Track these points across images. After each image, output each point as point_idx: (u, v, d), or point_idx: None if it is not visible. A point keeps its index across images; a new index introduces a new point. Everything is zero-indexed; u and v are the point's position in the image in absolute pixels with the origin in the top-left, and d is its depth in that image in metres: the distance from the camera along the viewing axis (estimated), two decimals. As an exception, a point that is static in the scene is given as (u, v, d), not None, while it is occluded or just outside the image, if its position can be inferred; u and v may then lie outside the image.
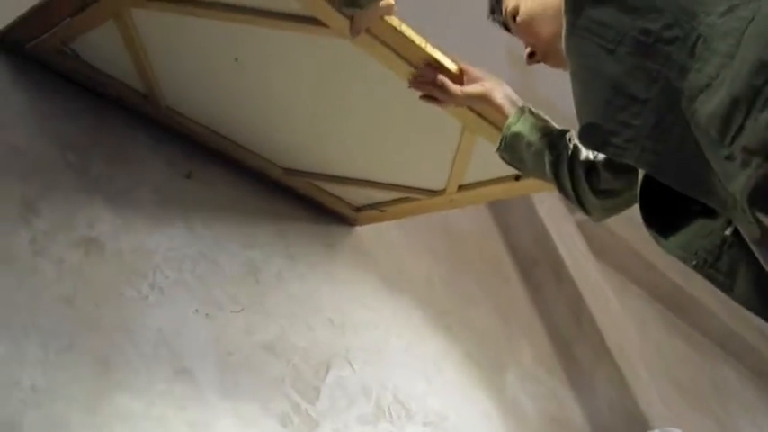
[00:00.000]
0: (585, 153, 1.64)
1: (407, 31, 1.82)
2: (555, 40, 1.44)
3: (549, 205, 3.97)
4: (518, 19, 1.57)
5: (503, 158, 1.76)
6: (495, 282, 3.50)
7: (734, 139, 0.99)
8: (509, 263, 3.75)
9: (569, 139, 1.66)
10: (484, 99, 1.78)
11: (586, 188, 1.63)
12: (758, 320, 4.83)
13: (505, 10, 1.64)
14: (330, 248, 2.61)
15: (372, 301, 2.56)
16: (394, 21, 1.79)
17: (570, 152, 1.65)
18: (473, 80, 1.82)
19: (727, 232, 1.24)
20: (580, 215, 4.20)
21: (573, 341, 3.36)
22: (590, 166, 1.62)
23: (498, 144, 1.74)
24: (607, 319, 3.46)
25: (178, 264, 1.98)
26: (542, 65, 1.59)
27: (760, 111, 0.96)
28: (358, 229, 2.79)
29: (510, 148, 1.72)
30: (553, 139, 1.67)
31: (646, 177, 1.33)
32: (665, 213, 1.35)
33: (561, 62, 1.45)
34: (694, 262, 1.31)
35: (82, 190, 1.79)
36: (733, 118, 0.99)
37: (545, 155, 1.66)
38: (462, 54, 3.99)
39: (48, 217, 1.69)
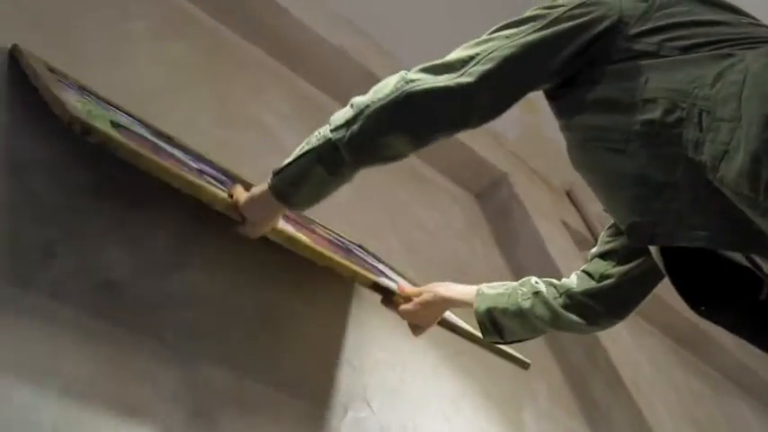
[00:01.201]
0: (577, 281, 1.68)
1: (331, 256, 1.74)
2: None
3: (560, 244, 3.93)
4: None
5: (495, 342, 1.78)
6: None
7: (766, 192, 1.00)
8: None
9: (541, 283, 1.72)
10: (438, 302, 1.80)
11: (596, 309, 1.65)
12: (772, 356, 4.77)
13: None
14: (346, 290, 2.52)
15: (388, 342, 2.49)
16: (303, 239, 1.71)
17: (557, 290, 1.69)
18: (415, 294, 1.83)
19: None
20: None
21: (589, 379, 3.29)
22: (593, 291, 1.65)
23: (481, 332, 1.75)
24: (621, 356, 3.39)
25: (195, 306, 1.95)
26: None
27: None
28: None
29: (493, 327, 1.72)
30: (525, 292, 1.70)
31: (666, 258, 1.34)
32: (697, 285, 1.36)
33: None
34: None
35: (99, 234, 1.78)
36: (759, 174, 1.00)
37: (530, 310, 1.68)
38: None
39: (65, 261, 1.68)
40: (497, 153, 4.24)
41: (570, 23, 1.33)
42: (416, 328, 1.87)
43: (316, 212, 2.65)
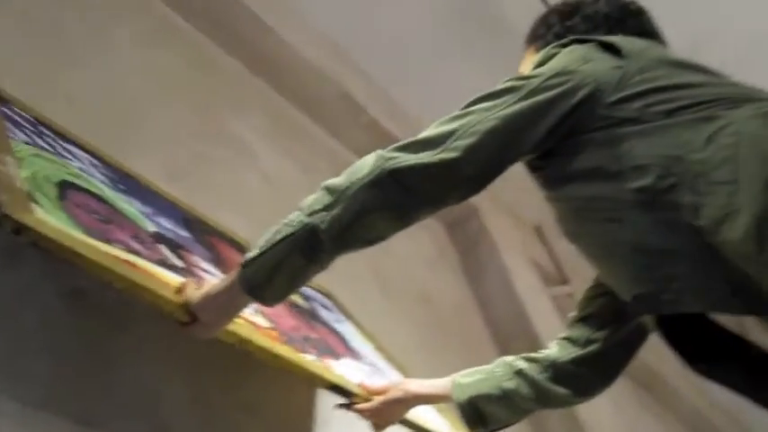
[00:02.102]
0: (559, 351, 1.61)
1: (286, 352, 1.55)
2: None
3: (526, 279, 3.87)
4: None
5: None
6: (472, 354, 3.36)
7: None
8: (486, 336, 3.63)
9: (520, 360, 1.63)
10: (408, 399, 1.66)
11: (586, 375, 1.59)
12: (727, 404, 4.84)
13: (520, 68, 1.63)
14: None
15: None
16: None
17: (540, 365, 1.60)
18: (380, 392, 1.68)
19: None
20: (556, 290, 4.23)
21: (547, 416, 3.23)
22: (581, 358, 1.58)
23: (466, 423, 1.61)
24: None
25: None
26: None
27: None
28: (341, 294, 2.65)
29: (477, 416, 1.60)
30: (505, 373, 1.61)
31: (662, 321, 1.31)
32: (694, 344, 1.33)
33: None
34: None
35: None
36: (765, 235, 0.99)
37: (515, 391, 1.58)
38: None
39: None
40: None
41: (547, 94, 1.29)
42: (378, 426, 1.72)
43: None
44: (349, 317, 2.43)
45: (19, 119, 1.74)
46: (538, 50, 1.54)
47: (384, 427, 1.69)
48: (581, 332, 1.60)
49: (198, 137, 2.61)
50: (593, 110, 1.27)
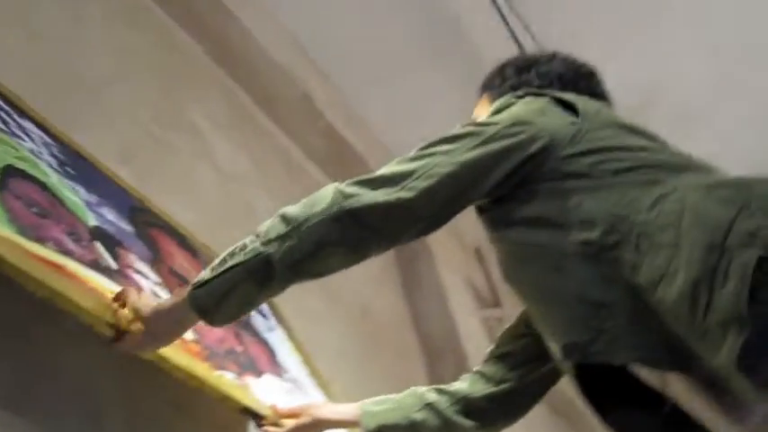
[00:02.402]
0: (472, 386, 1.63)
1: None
2: None
3: (461, 299, 3.89)
4: None
5: None
6: (402, 367, 3.38)
7: (705, 316, 1.01)
8: (417, 350, 3.64)
9: (432, 392, 1.65)
10: (316, 425, 1.66)
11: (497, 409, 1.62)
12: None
13: (473, 113, 1.63)
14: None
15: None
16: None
17: (450, 397, 1.62)
18: (291, 415, 1.68)
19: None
20: (487, 312, 4.25)
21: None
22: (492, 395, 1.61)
23: None
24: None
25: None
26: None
27: (722, 286, 0.99)
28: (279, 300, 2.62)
29: None
30: (414, 404, 1.63)
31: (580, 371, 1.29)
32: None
33: None
34: None
35: None
36: (699, 299, 1.01)
37: (422, 423, 1.59)
38: (399, 140, 4.01)
39: None
40: None
41: (504, 143, 1.31)
42: None
43: (223, 221, 2.59)
44: (283, 323, 2.42)
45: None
46: (491, 99, 1.56)
47: None
48: (495, 369, 1.62)
49: (155, 120, 2.57)
50: (546, 162, 1.30)
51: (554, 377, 1.63)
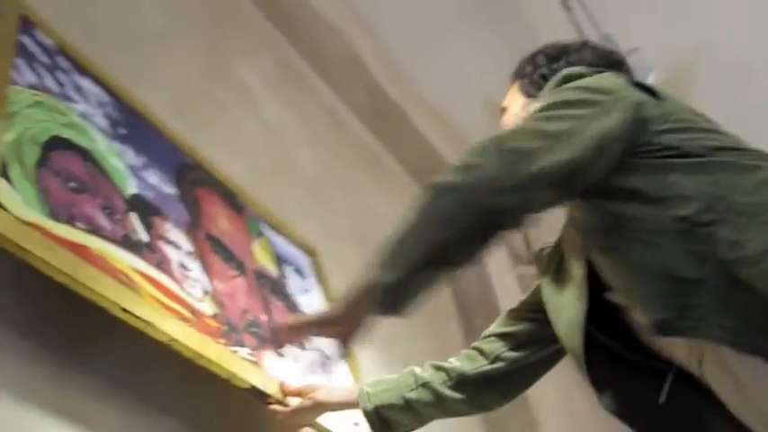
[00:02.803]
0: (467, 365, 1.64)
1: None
2: None
3: (496, 257, 3.85)
4: (502, 119, 1.55)
5: None
6: (437, 323, 3.37)
7: None
8: (452, 307, 3.65)
9: (427, 370, 1.68)
10: (317, 408, 1.66)
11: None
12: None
13: (504, 101, 1.60)
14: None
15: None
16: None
17: (447, 374, 1.64)
18: (296, 394, 1.68)
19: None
20: (523, 269, 4.26)
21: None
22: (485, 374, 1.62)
23: (372, 429, 1.63)
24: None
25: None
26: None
27: None
28: (322, 257, 2.63)
29: (382, 423, 1.62)
30: (409, 384, 1.64)
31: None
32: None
33: None
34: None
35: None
36: None
37: (416, 401, 1.62)
38: (442, 98, 4.00)
39: None
40: (457, 155, 4.10)
41: (621, 111, 1.26)
42: (292, 427, 1.76)
43: (270, 176, 2.65)
44: (321, 281, 2.43)
45: (37, 50, 1.73)
46: (522, 88, 1.54)
47: (297, 429, 1.73)
48: (493, 347, 1.63)
49: (205, 77, 2.57)
50: (641, 135, 1.26)
51: (548, 364, 1.64)
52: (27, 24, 1.75)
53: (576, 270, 1.38)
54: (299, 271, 2.35)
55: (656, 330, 1.18)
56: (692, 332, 1.14)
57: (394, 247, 1.27)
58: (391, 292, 1.23)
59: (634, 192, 1.23)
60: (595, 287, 1.35)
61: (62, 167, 1.51)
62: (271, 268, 2.15)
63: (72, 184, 1.51)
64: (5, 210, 1.25)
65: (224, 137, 2.49)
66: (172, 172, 1.98)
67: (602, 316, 1.35)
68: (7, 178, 1.32)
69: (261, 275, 2.05)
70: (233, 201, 2.21)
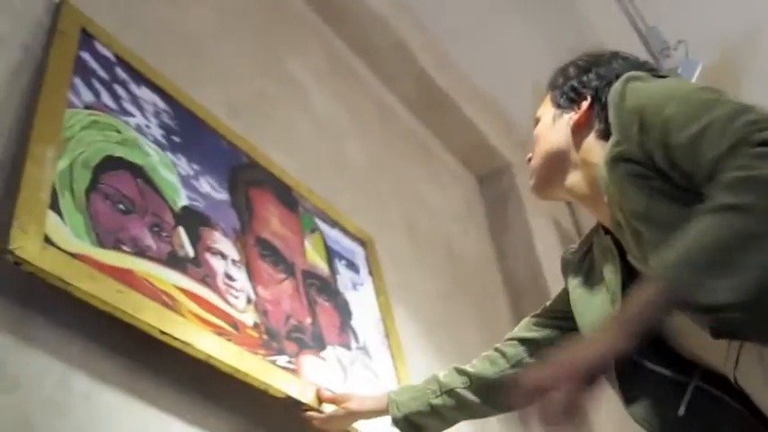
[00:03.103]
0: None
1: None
2: (542, 168, 1.47)
3: (547, 240, 3.84)
4: (535, 129, 1.52)
5: None
6: (486, 305, 3.41)
7: None
8: (501, 289, 3.66)
9: (450, 374, 1.71)
10: (349, 416, 1.73)
11: None
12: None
13: (539, 111, 1.56)
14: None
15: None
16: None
17: (469, 379, 1.68)
18: (331, 401, 1.75)
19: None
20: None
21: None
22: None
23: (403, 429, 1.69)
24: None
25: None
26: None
27: None
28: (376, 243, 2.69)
29: (413, 428, 1.69)
30: (434, 390, 1.69)
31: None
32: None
33: (538, 185, 1.49)
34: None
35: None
36: None
37: (442, 406, 1.68)
38: (490, 84, 3.98)
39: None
40: (507, 142, 4.04)
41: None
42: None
43: (322, 169, 2.69)
44: (373, 274, 2.46)
45: (95, 64, 1.78)
46: (554, 99, 1.51)
47: (332, 430, 1.79)
48: (516, 351, 1.66)
49: (258, 74, 2.59)
50: None
51: None
52: (87, 37, 1.81)
53: (610, 275, 1.38)
54: (351, 265, 2.38)
55: (713, 332, 1.18)
56: (745, 336, 1.11)
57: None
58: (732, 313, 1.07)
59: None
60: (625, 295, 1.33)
61: (112, 190, 1.57)
62: (321, 266, 2.19)
63: (121, 206, 1.57)
64: (53, 244, 1.31)
65: (277, 133, 2.52)
66: (225, 175, 2.03)
67: None
68: (58, 209, 1.39)
69: (310, 275, 2.09)
70: (287, 197, 2.25)
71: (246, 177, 2.13)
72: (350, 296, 2.23)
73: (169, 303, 1.48)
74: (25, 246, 1.24)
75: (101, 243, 1.43)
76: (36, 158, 1.40)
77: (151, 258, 1.53)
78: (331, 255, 2.28)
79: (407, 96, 3.62)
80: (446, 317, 2.99)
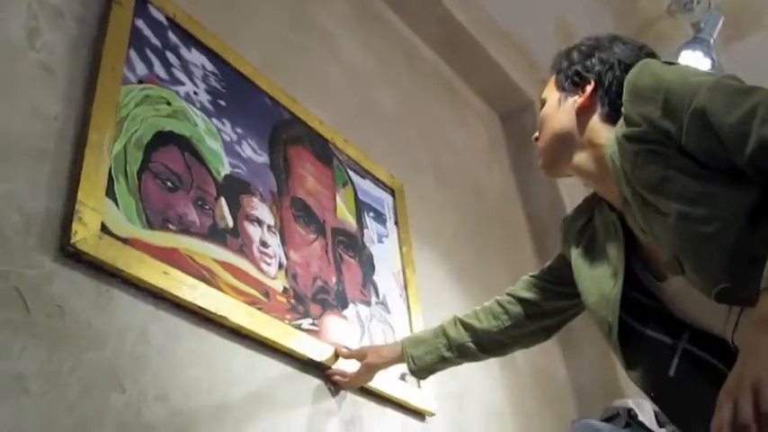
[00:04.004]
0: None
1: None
2: (549, 149, 1.50)
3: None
4: (542, 110, 1.55)
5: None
6: (510, 243, 3.47)
7: None
8: (524, 227, 3.70)
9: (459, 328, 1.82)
10: (373, 369, 1.89)
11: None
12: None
13: (545, 92, 1.58)
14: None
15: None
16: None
17: (473, 334, 1.81)
18: (349, 356, 1.90)
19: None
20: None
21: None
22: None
23: (418, 378, 1.93)
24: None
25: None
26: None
27: None
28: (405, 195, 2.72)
29: (426, 373, 1.87)
30: (445, 344, 1.83)
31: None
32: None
33: (545, 164, 1.53)
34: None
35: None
36: None
37: (452, 358, 1.84)
38: (512, 23, 3.91)
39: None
40: (529, 79, 3.98)
41: None
42: (351, 386, 1.96)
43: (354, 118, 2.70)
44: (399, 223, 2.54)
45: (149, 31, 1.86)
46: (558, 82, 1.53)
47: (357, 386, 1.96)
48: (516, 310, 1.77)
49: (290, 28, 2.60)
50: None
51: (566, 322, 1.79)
52: (141, 1, 1.88)
53: (614, 251, 1.44)
54: (378, 216, 2.47)
55: (717, 297, 1.22)
56: (748, 301, 1.16)
57: None
58: None
59: (735, 172, 1.21)
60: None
61: (161, 167, 1.68)
62: (350, 221, 2.29)
63: (169, 183, 1.68)
64: (108, 232, 1.46)
65: (311, 85, 2.55)
66: (267, 135, 2.12)
67: (624, 294, 1.42)
68: (113, 195, 1.51)
69: (339, 232, 2.20)
70: (323, 151, 2.34)
71: (286, 135, 2.21)
72: (375, 250, 2.33)
73: (208, 278, 1.62)
74: (85, 238, 1.38)
75: (150, 224, 1.56)
76: (94, 145, 1.51)
77: (194, 234, 1.67)
78: (360, 208, 2.37)
79: (432, 38, 3.59)
80: (473, 257, 3.07)
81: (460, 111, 3.71)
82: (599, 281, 1.48)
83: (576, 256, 1.57)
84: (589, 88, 1.43)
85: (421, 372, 1.85)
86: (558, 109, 1.49)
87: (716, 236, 1.20)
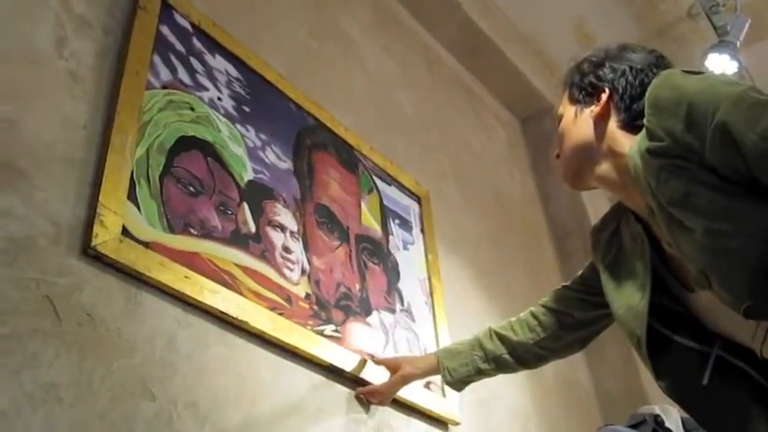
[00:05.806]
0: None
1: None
2: (571, 162, 1.47)
3: None
4: (559, 126, 1.52)
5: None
6: (532, 247, 3.43)
7: None
8: (546, 230, 3.66)
9: (495, 340, 1.83)
10: (406, 380, 1.88)
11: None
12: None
13: (559, 109, 1.55)
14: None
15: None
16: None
17: (508, 347, 1.81)
18: (383, 363, 1.90)
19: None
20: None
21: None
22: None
23: (455, 390, 1.89)
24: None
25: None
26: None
27: None
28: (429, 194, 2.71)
29: (463, 385, 1.86)
30: (481, 356, 1.83)
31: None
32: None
33: (569, 178, 1.49)
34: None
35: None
36: None
37: (489, 370, 1.84)
38: (532, 27, 3.90)
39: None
40: (549, 84, 3.94)
41: None
42: (382, 403, 1.95)
43: (377, 124, 2.69)
44: (425, 231, 2.51)
45: (173, 38, 1.85)
46: (570, 97, 1.51)
47: (388, 402, 1.94)
48: (549, 321, 1.77)
49: (312, 34, 2.59)
50: None
51: (600, 332, 1.76)
52: (167, 8, 1.86)
53: (639, 263, 1.42)
54: (404, 223, 2.43)
55: (745, 313, 1.20)
56: None
57: None
58: None
59: (760, 187, 1.19)
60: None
61: (184, 172, 1.66)
62: (375, 227, 2.25)
63: (191, 188, 1.66)
64: (129, 235, 1.43)
65: (334, 92, 2.53)
66: (291, 141, 2.09)
67: (654, 303, 1.40)
68: (135, 199, 1.49)
69: (363, 239, 2.16)
70: (348, 158, 2.30)
71: (311, 141, 2.18)
72: (400, 257, 2.28)
73: (230, 282, 1.59)
74: (106, 241, 1.36)
75: (171, 228, 1.53)
76: (116, 148, 1.50)
77: (216, 239, 1.64)
78: (385, 215, 2.33)
79: (452, 43, 3.57)
80: (496, 263, 3.03)
81: (481, 115, 3.68)
82: (627, 293, 1.46)
83: (603, 267, 1.54)
84: (604, 96, 1.41)
85: (457, 384, 1.84)
86: (576, 121, 1.46)
87: (740, 251, 1.17)
